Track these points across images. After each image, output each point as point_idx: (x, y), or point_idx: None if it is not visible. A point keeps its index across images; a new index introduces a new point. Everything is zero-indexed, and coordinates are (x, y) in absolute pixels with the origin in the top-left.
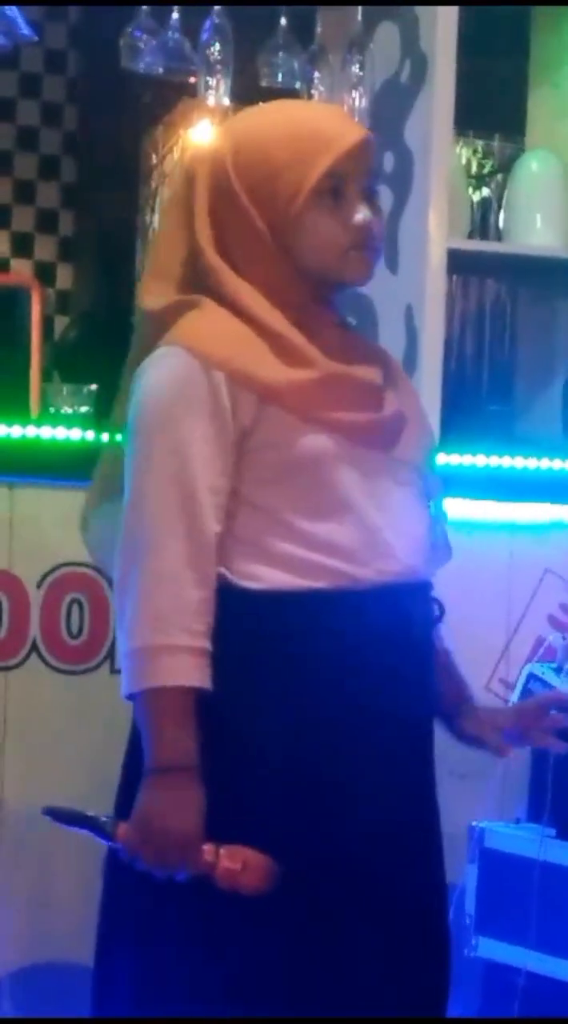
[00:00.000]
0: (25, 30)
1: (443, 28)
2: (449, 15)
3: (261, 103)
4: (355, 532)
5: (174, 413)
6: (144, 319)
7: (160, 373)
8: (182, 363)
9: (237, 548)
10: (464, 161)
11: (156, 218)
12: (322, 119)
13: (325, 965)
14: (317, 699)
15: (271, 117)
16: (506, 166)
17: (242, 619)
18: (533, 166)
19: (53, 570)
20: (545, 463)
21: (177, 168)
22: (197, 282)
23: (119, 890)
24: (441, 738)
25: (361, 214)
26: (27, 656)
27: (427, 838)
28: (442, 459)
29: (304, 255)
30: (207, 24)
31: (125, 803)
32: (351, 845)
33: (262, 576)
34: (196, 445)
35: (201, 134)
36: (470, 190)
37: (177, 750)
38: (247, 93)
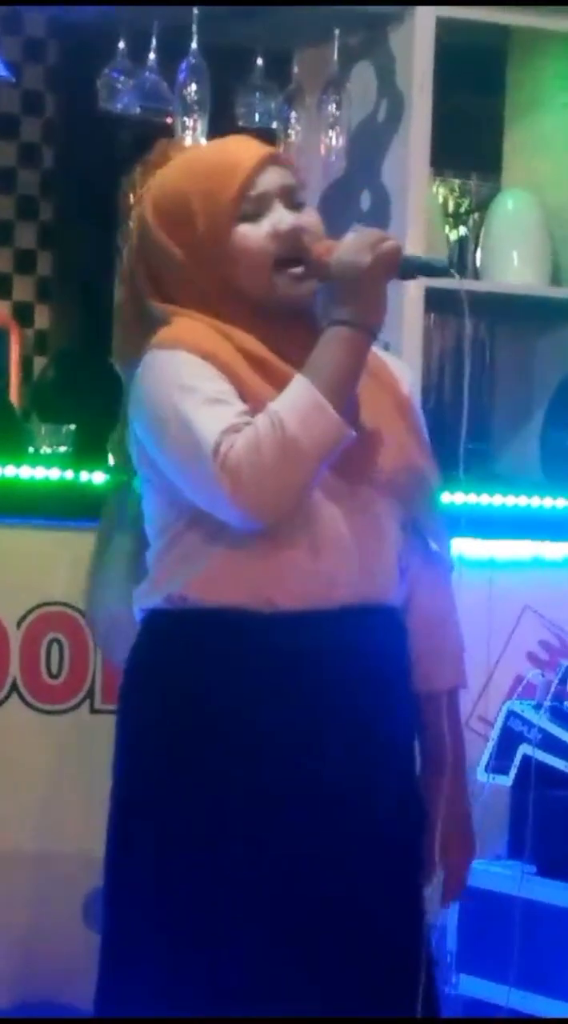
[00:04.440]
0: (2, 71)
1: (419, 67)
2: (425, 54)
3: None
4: (289, 553)
5: (176, 379)
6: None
7: (154, 371)
8: (173, 353)
9: (175, 567)
10: (441, 200)
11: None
12: (224, 148)
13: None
14: (239, 716)
15: (179, 163)
16: (483, 205)
17: (183, 636)
18: (509, 205)
19: (32, 610)
20: (524, 500)
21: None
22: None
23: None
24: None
25: (287, 222)
26: (7, 696)
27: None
28: None
29: (240, 279)
30: (184, 65)
31: (116, 836)
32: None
33: (196, 594)
34: (201, 381)
35: None
36: (447, 229)
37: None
38: (224, 133)
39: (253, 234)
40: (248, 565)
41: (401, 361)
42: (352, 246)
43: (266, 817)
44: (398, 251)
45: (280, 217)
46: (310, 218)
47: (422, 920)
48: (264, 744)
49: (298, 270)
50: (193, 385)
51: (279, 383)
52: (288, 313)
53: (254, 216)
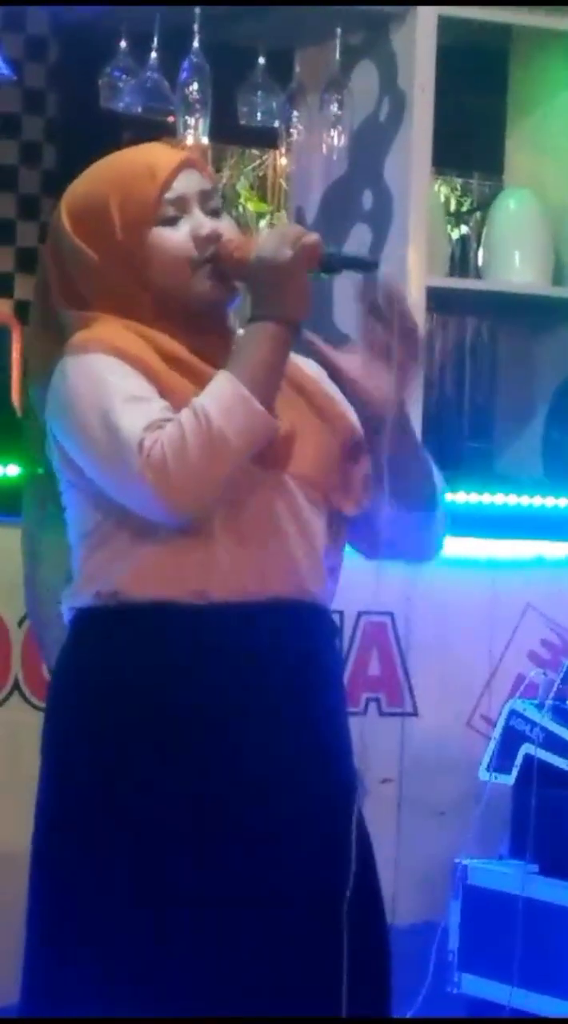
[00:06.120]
0: (4, 70)
1: (421, 66)
2: (427, 53)
3: (235, 143)
4: (217, 545)
5: (95, 380)
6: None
7: (72, 374)
8: (91, 356)
9: (105, 565)
10: (443, 199)
11: None
12: (141, 152)
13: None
14: (154, 712)
15: (94, 169)
16: (485, 204)
17: (114, 633)
18: (511, 204)
19: None
20: (526, 500)
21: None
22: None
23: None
24: (419, 780)
25: (206, 227)
26: (9, 695)
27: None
28: None
29: (158, 282)
30: (185, 64)
31: (44, 848)
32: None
33: (127, 589)
34: (120, 381)
35: None
36: (449, 228)
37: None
38: (226, 132)
39: (172, 237)
40: (178, 559)
41: (305, 358)
42: (272, 242)
43: (199, 813)
44: (319, 245)
45: (199, 222)
46: (227, 224)
47: (363, 910)
48: (197, 738)
49: (215, 268)
50: (113, 385)
51: (199, 382)
52: (205, 317)
53: (173, 220)
